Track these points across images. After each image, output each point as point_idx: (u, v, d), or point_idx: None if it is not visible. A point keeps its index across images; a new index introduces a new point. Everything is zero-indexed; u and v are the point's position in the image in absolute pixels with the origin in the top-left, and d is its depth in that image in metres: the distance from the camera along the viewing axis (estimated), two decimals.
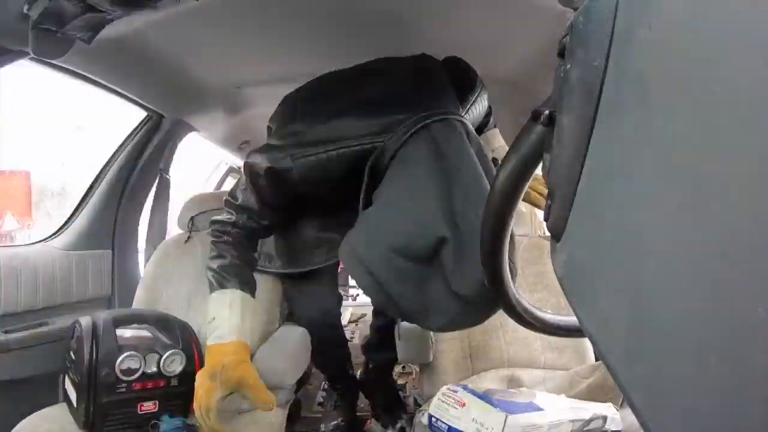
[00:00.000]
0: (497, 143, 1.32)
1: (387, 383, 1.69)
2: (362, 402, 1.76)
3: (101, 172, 1.50)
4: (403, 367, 2.19)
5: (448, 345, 1.29)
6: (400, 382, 2.09)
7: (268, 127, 1.10)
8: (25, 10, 0.81)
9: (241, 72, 1.48)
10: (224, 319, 0.97)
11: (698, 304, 0.16)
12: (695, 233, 0.16)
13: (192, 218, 1.45)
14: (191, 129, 1.70)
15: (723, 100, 0.15)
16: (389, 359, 1.56)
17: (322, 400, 1.85)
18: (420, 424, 1.07)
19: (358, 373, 1.76)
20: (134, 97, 1.38)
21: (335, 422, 1.60)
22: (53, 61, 1.03)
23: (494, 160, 1.17)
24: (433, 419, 0.88)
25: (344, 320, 2.64)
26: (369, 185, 0.89)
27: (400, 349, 1.25)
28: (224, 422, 1.12)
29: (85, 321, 1.06)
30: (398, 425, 1.59)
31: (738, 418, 0.15)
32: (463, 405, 0.85)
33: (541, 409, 0.84)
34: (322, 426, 1.60)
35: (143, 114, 1.52)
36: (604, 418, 0.85)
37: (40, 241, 1.39)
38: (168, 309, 1.28)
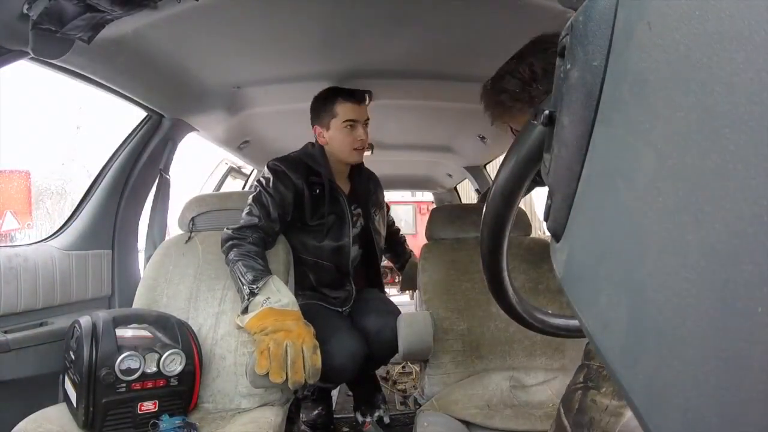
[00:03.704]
0: None
1: (369, 378, 1.75)
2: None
3: (101, 172, 1.50)
4: (403, 367, 2.19)
5: (449, 345, 1.29)
6: (400, 382, 2.09)
7: None
8: (25, 10, 0.81)
9: (241, 72, 1.48)
10: (283, 295, 1.19)
11: (698, 304, 0.16)
12: (695, 233, 0.16)
13: (193, 218, 1.46)
14: (191, 129, 1.70)
15: (723, 100, 0.15)
16: (376, 365, 1.65)
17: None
18: (421, 424, 1.07)
19: None
20: (134, 97, 1.38)
21: (317, 412, 1.64)
22: (53, 61, 1.03)
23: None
24: None
25: None
26: None
27: (401, 343, 1.25)
28: (224, 421, 1.13)
29: (84, 321, 1.06)
30: (376, 414, 1.64)
31: (738, 418, 0.15)
32: None
33: None
34: (303, 416, 1.62)
35: (143, 114, 1.52)
36: None
37: (40, 241, 1.39)
38: (168, 309, 1.28)
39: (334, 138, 1.45)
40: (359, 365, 1.36)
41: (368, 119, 1.48)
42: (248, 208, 1.36)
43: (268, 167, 1.43)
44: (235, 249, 1.27)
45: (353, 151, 1.46)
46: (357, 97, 1.44)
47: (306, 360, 1.07)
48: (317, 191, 1.43)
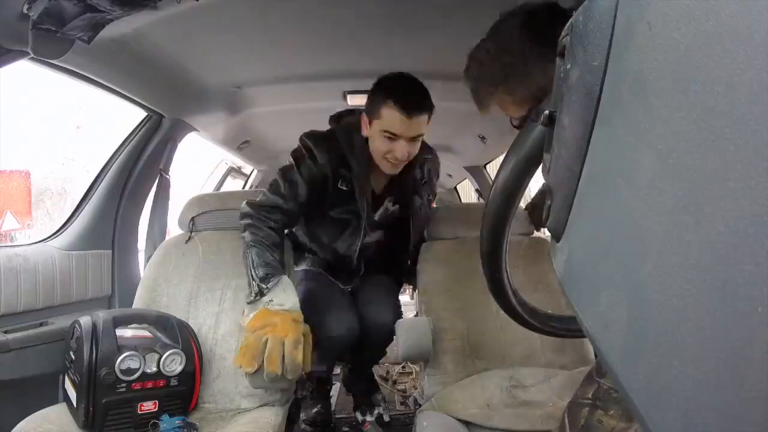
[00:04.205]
0: None
1: (367, 376, 1.77)
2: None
3: (101, 172, 1.50)
4: (403, 367, 2.19)
5: (449, 345, 1.29)
6: (400, 382, 2.09)
7: None
8: (25, 10, 0.81)
9: (241, 72, 1.48)
10: (288, 299, 1.14)
11: (698, 304, 0.16)
12: (695, 233, 0.16)
13: (193, 218, 1.45)
14: (191, 129, 1.70)
15: (723, 100, 0.15)
16: (371, 358, 1.67)
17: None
18: (421, 424, 1.07)
19: (339, 369, 1.90)
20: (134, 97, 1.38)
21: (315, 410, 1.63)
22: (53, 61, 1.03)
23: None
24: None
25: None
26: None
27: (400, 348, 1.25)
28: (224, 421, 1.13)
29: (84, 321, 1.06)
30: (376, 411, 1.65)
31: (738, 418, 0.15)
32: None
33: None
34: (303, 414, 1.62)
35: (143, 114, 1.52)
36: None
37: (40, 241, 1.39)
38: (168, 309, 1.28)
39: (372, 139, 1.25)
40: (354, 341, 1.36)
41: (418, 135, 1.22)
42: (275, 183, 1.24)
43: (300, 141, 1.30)
44: (251, 231, 1.19)
45: (383, 160, 1.25)
46: (406, 107, 1.15)
47: (286, 354, 1.04)
48: (344, 187, 1.30)
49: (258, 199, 1.25)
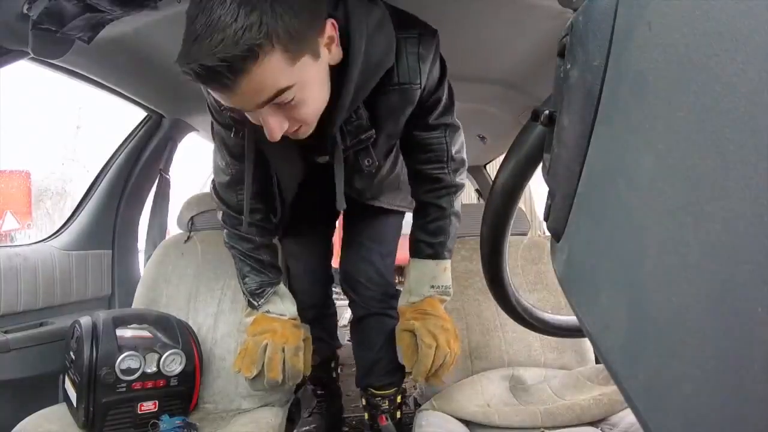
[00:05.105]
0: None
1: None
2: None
3: (101, 172, 1.50)
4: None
5: None
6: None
7: None
8: (25, 10, 0.81)
9: None
10: (286, 308, 1.11)
11: (698, 304, 0.16)
12: (695, 233, 0.16)
13: (192, 218, 1.45)
14: (191, 129, 1.70)
15: (723, 100, 0.15)
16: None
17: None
18: (420, 424, 1.07)
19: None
20: (134, 97, 1.38)
21: (307, 428, 1.54)
22: (53, 61, 1.03)
23: None
24: None
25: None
26: None
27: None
28: (224, 421, 1.13)
29: (85, 321, 1.06)
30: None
31: (738, 418, 0.15)
32: None
33: None
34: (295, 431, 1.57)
35: (143, 114, 1.52)
36: None
37: (40, 241, 1.39)
38: (168, 309, 1.28)
39: None
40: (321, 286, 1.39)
41: (285, 97, 0.70)
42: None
43: None
44: (228, 237, 1.12)
45: None
46: (203, 81, 0.70)
47: (286, 361, 1.02)
48: None
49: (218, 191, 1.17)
